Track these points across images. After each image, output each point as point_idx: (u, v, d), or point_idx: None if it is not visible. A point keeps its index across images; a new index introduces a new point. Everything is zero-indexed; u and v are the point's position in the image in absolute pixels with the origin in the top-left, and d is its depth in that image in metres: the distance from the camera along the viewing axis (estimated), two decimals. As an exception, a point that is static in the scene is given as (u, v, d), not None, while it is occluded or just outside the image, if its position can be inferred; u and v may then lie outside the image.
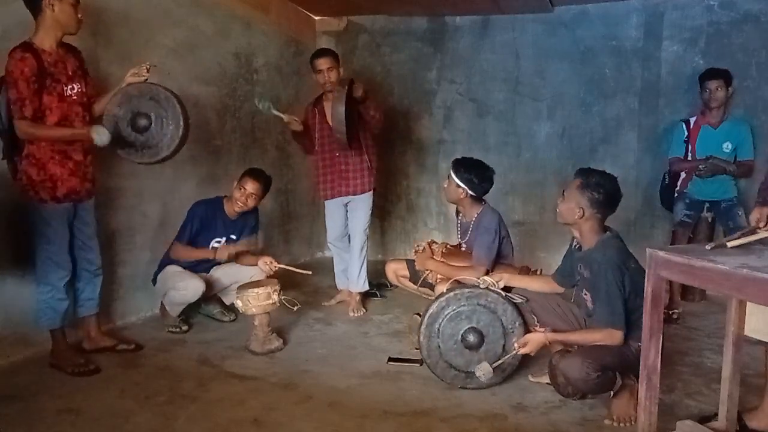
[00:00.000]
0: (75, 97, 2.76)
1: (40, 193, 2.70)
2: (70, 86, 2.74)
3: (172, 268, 3.42)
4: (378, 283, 4.28)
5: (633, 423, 2.32)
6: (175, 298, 3.35)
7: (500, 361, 2.59)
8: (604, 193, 2.43)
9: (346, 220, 4.01)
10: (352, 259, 3.94)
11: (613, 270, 2.33)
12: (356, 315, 3.82)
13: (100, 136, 2.69)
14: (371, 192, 3.91)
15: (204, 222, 3.47)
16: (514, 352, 2.55)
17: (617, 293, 2.32)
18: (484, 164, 3.20)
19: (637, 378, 2.46)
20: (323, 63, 3.63)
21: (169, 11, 3.75)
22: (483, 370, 2.54)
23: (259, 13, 4.61)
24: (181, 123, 2.87)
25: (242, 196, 3.46)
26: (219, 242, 3.52)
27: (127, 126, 2.87)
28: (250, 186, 3.46)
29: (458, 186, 3.15)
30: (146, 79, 2.86)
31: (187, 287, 3.31)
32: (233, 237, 3.57)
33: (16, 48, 2.58)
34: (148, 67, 2.86)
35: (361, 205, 3.90)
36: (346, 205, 3.96)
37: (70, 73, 2.75)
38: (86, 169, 2.85)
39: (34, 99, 2.59)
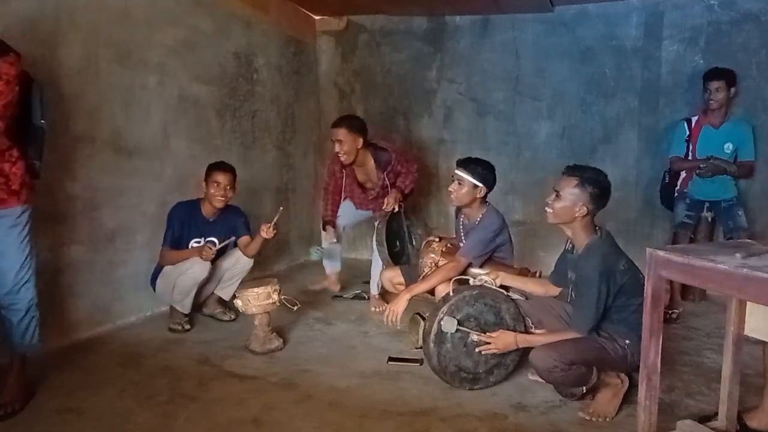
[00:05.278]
0: None
1: None
2: None
3: (168, 268, 3.42)
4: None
5: (607, 421, 2.35)
6: (185, 283, 3.33)
7: (468, 330, 2.58)
8: (601, 188, 2.44)
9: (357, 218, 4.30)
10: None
11: (596, 281, 2.33)
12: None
13: None
14: None
15: (182, 223, 3.44)
16: (478, 338, 2.56)
17: (594, 304, 2.34)
18: (485, 159, 3.20)
19: (627, 375, 2.49)
20: (334, 134, 3.81)
21: (169, 11, 3.75)
22: (448, 323, 2.55)
23: (259, 13, 4.61)
24: None
25: (219, 190, 3.42)
26: (198, 242, 3.48)
27: None
28: (222, 178, 3.44)
29: (476, 185, 3.08)
30: None
31: (192, 265, 3.30)
32: (213, 239, 3.50)
33: None
34: None
35: None
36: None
37: None
38: None
39: None
